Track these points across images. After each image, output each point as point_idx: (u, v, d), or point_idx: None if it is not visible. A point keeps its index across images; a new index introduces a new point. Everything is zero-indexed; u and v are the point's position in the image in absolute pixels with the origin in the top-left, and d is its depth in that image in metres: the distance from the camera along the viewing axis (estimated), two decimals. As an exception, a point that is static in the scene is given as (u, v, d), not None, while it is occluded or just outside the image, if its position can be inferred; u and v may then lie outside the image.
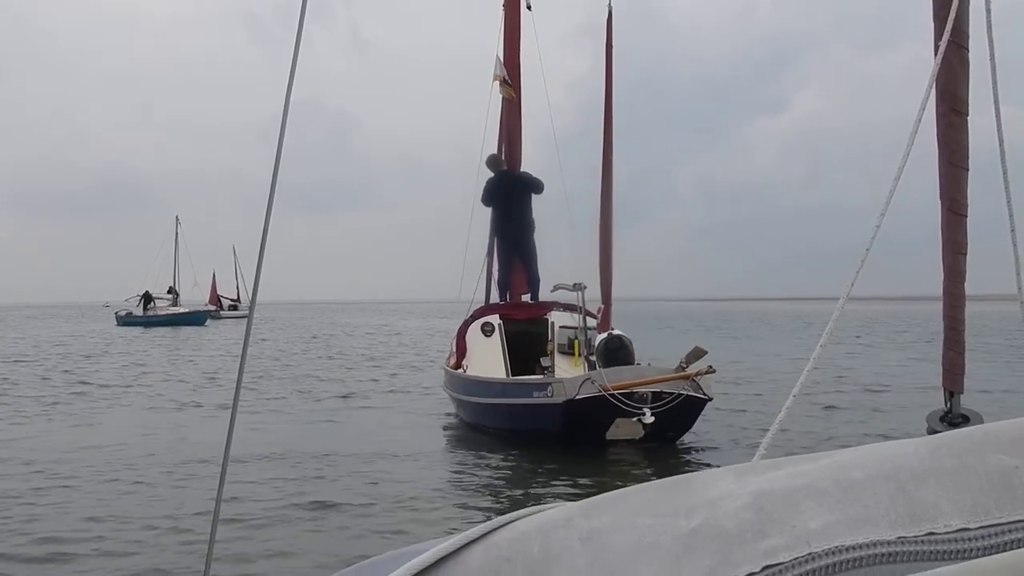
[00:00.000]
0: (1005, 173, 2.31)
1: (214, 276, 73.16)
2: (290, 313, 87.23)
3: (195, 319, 50.30)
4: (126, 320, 50.64)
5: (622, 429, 8.39)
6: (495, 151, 11.77)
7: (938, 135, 2.92)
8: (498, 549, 0.47)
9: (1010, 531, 0.39)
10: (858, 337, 29.05)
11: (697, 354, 8.56)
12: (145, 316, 50.67)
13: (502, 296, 11.45)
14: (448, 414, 11.24)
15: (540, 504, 0.51)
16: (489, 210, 11.43)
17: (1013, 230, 2.42)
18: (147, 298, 52.42)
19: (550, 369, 9.98)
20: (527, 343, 10.54)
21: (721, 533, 0.42)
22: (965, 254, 3.17)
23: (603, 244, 10.80)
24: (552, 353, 10.30)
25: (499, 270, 11.53)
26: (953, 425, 3.40)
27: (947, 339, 3.32)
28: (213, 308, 63.42)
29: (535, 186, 11.32)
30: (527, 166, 11.67)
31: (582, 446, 8.29)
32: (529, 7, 11.56)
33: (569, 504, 0.49)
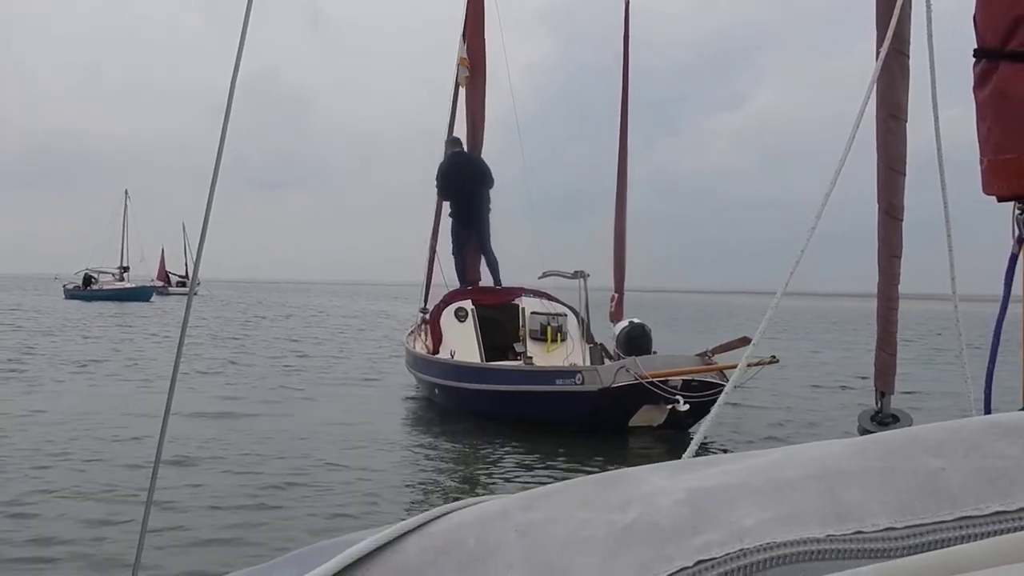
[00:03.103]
0: (942, 176, 2.37)
1: (163, 252, 71.88)
2: (235, 291, 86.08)
3: (141, 294, 49.68)
4: (73, 293, 50.10)
5: (644, 415, 8.51)
6: (457, 134, 11.77)
7: (877, 140, 2.96)
8: (433, 540, 0.47)
9: (934, 531, 0.40)
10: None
11: (732, 345, 8.65)
12: (90, 291, 50.12)
13: (460, 281, 11.46)
14: (410, 397, 11.24)
15: (478, 496, 0.51)
16: (444, 189, 11.42)
17: (949, 235, 2.47)
18: (86, 280, 51.70)
19: (524, 355, 10.02)
20: (495, 329, 10.56)
21: (655, 528, 0.42)
22: (900, 257, 3.24)
23: (617, 234, 10.96)
24: (524, 339, 10.31)
25: (455, 254, 11.53)
26: (883, 424, 3.47)
27: (880, 340, 3.39)
28: (160, 284, 62.44)
29: (487, 176, 11.36)
30: (488, 151, 11.72)
31: (605, 432, 8.37)
32: (493, -9, 11.56)
33: (507, 496, 0.49)
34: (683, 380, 8.31)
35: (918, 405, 9.58)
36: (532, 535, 0.45)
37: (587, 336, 9.91)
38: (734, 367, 8.06)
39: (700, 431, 1.83)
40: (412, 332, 12.11)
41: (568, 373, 8.77)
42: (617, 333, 9.48)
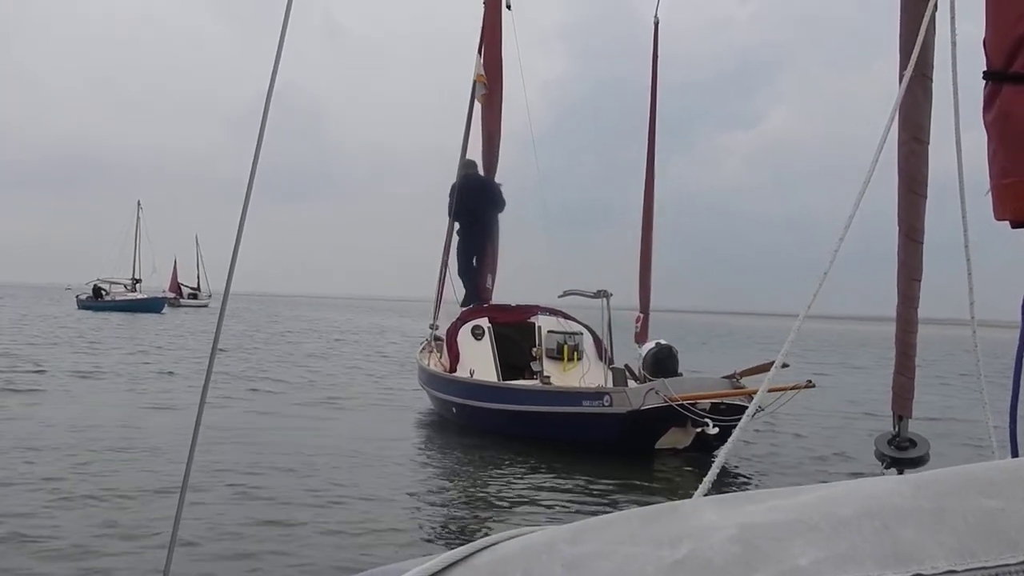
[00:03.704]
0: (963, 201, 2.35)
1: (175, 263, 72.13)
2: (246, 304, 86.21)
3: (152, 305, 50.02)
4: (85, 304, 50.42)
5: (670, 438, 8.47)
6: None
7: (899, 163, 2.95)
8: (478, 572, 0.46)
9: (997, 575, 0.39)
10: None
11: (760, 369, 8.59)
12: (102, 301, 50.42)
13: (472, 299, 11.49)
14: (424, 415, 11.18)
15: (522, 527, 0.50)
16: (455, 209, 11.48)
17: (968, 259, 2.45)
18: (96, 291, 52.03)
19: (541, 374, 9.98)
20: (511, 347, 10.53)
21: (707, 565, 0.42)
22: (919, 280, 3.22)
23: (643, 254, 10.98)
24: (540, 358, 10.27)
25: (461, 275, 11.60)
26: (900, 449, 3.44)
27: (898, 364, 3.36)
28: (172, 295, 62.76)
29: (498, 199, 11.45)
30: (501, 165, 11.77)
31: (630, 454, 8.32)
32: (508, 6, 11.63)
33: (552, 528, 0.48)
34: (712, 403, 8.25)
35: (933, 430, 9.47)
36: (579, 570, 0.44)
37: (609, 357, 9.86)
38: (771, 391, 8.03)
39: (721, 455, 1.81)
40: (423, 348, 12.10)
41: (595, 395, 8.70)
42: (644, 354, 9.44)
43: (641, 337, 10.47)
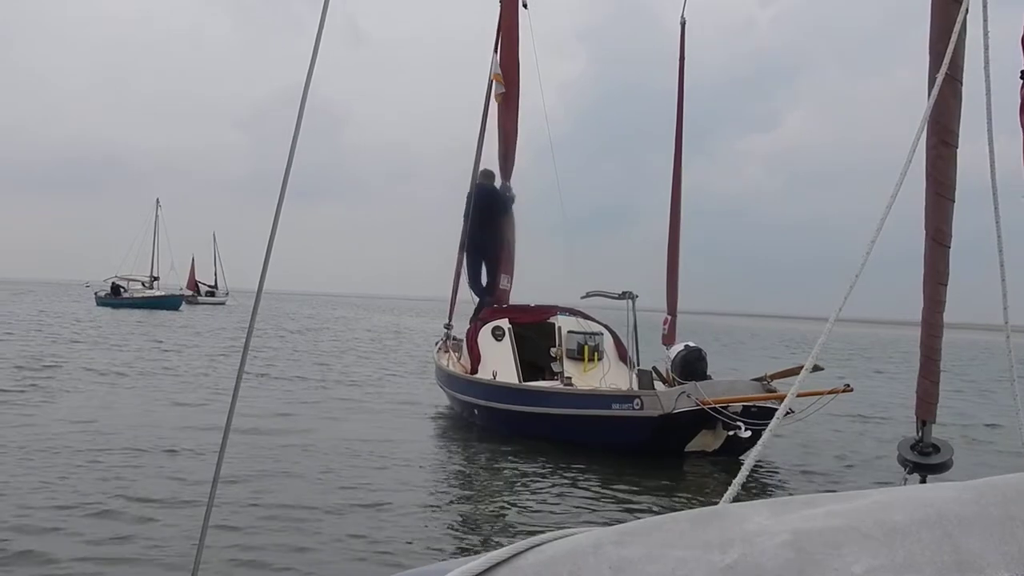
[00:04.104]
0: (996, 207, 2.33)
1: (193, 261, 72.40)
2: (267, 301, 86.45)
3: (170, 303, 50.40)
4: (104, 301, 50.91)
5: (699, 440, 8.44)
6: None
7: (927, 166, 2.93)
8: (524, 573, 0.46)
9: None
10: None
11: (791, 372, 8.59)
12: (121, 298, 50.93)
13: (482, 297, 11.53)
14: (442, 415, 11.19)
15: (565, 528, 0.49)
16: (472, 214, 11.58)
17: (1002, 264, 2.43)
18: (115, 289, 52.55)
19: (562, 375, 9.93)
20: (530, 347, 10.49)
21: (759, 571, 0.41)
22: (945, 284, 3.19)
23: (670, 257, 10.93)
24: (561, 358, 10.24)
25: (471, 284, 11.71)
26: (923, 454, 3.42)
27: (923, 368, 3.34)
28: (190, 293, 63.11)
29: (509, 211, 11.60)
30: (517, 167, 11.79)
31: (661, 457, 8.28)
32: (525, 5, 11.60)
33: (598, 530, 0.47)
34: (743, 406, 8.19)
35: (958, 435, 9.39)
36: (627, 572, 0.43)
37: (635, 359, 9.80)
38: (808, 395, 7.98)
39: (751, 456, 1.80)
40: (439, 348, 12.11)
41: (625, 398, 8.63)
42: (673, 356, 9.39)
43: (669, 339, 10.41)
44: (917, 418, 3.49)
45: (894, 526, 0.43)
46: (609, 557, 0.44)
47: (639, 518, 0.50)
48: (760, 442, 1.90)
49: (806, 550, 0.41)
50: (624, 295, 9.74)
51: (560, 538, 0.49)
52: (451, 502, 6.70)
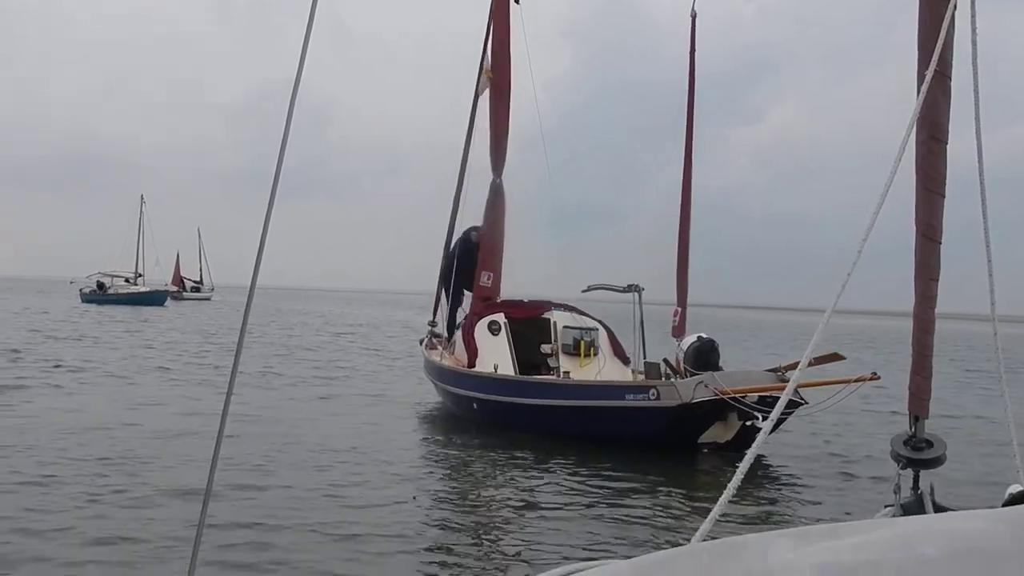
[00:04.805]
0: (984, 201, 2.33)
1: (178, 257, 72.13)
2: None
3: (155, 299, 50.50)
4: (89, 297, 50.90)
5: (712, 432, 8.45)
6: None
7: (917, 162, 2.92)
8: None
9: None
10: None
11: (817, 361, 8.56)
12: (106, 295, 50.89)
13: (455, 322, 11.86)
14: (432, 409, 11.10)
15: (579, 562, 0.48)
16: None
17: (990, 260, 2.43)
18: (99, 285, 52.54)
19: (559, 369, 9.91)
20: (524, 342, 10.48)
21: None
22: (937, 280, 3.19)
23: (680, 249, 10.96)
24: (556, 352, 10.16)
25: (450, 316, 11.95)
26: (916, 449, 3.41)
27: (915, 364, 3.33)
28: (175, 289, 62.96)
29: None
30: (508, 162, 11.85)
31: (675, 449, 8.32)
32: (517, 1, 11.56)
33: (617, 562, 0.46)
34: (760, 396, 8.17)
35: (946, 428, 9.42)
36: None
37: (642, 351, 9.83)
38: (827, 383, 7.95)
39: (751, 451, 1.79)
40: (425, 344, 12.10)
41: (641, 388, 8.61)
42: (685, 348, 9.40)
43: (679, 331, 10.41)
44: (910, 413, 3.49)
45: (924, 560, 0.41)
46: None
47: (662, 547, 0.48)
48: (763, 432, 1.91)
49: None
50: (630, 288, 9.74)
51: (580, 571, 0.48)
52: (456, 518, 6.38)
